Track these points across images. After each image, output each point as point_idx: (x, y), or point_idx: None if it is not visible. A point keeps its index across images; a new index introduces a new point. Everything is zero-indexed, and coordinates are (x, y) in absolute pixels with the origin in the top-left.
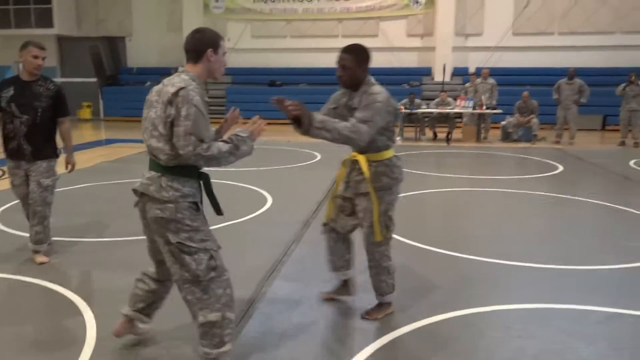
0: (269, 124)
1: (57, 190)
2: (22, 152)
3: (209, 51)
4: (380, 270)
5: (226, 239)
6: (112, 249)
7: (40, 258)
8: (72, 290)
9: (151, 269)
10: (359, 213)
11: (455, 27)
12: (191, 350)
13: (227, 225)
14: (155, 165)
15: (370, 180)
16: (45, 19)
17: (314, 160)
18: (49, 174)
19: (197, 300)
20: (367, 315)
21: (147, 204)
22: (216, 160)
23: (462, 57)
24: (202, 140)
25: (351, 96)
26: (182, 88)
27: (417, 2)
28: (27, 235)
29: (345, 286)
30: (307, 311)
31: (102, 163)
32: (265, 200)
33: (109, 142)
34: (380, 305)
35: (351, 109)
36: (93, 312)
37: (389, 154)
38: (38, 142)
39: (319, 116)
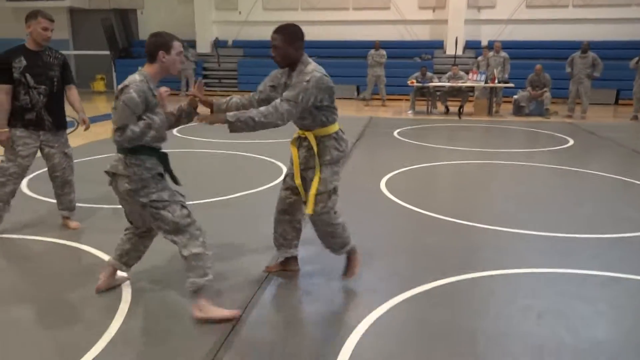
0: None
1: (79, 160)
2: (42, 123)
3: (161, 53)
4: (324, 235)
5: (243, 207)
6: None
7: (74, 224)
8: (105, 252)
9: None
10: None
11: (467, 0)
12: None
13: (244, 194)
14: (119, 148)
15: (319, 154)
16: None
17: None
18: (68, 144)
19: (181, 241)
20: (347, 274)
21: (117, 181)
22: (135, 139)
23: (475, 30)
24: (118, 129)
25: (290, 76)
26: (125, 86)
27: None
28: (51, 201)
29: (287, 263)
30: (323, 273)
31: None
32: (280, 171)
33: None
34: (349, 261)
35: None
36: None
37: (335, 127)
38: (57, 112)
39: (229, 113)
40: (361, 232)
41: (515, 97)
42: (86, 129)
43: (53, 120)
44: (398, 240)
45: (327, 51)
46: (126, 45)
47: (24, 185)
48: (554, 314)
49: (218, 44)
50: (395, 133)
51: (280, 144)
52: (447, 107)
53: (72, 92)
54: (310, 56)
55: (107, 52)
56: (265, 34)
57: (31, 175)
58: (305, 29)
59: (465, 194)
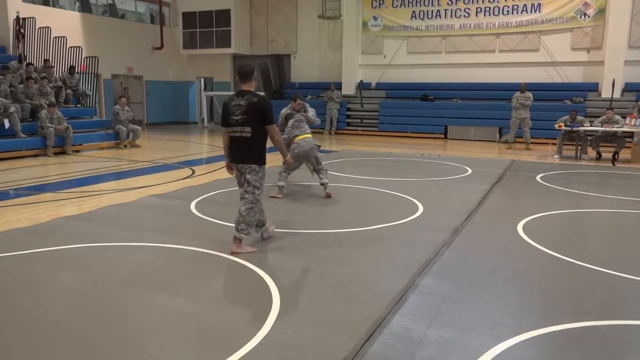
0: (420, 137)
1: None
2: None
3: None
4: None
5: (383, 238)
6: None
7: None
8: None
9: None
10: None
11: (629, 39)
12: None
13: (383, 227)
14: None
15: None
16: (225, 41)
17: (465, 174)
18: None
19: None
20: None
21: None
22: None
23: (636, 71)
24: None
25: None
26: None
27: (585, 15)
28: (216, 221)
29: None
30: (454, 303)
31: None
32: (417, 208)
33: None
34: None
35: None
36: (276, 284)
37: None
38: None
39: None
40: (491, 268)
41: None
42: None
43: None
44: (531, 280)
45: (470, 93)
46: (279, 87)
47: (192, 206)
48: None
49: (362, 86)
50: (538, 177)
51: (418, 182)
52: (599, 153)
53: None
54: (452, 98)
55: (262, 93)
56: (407, 76)
57: (198, 199)
58: (449, 71)
59: (612, 243)
